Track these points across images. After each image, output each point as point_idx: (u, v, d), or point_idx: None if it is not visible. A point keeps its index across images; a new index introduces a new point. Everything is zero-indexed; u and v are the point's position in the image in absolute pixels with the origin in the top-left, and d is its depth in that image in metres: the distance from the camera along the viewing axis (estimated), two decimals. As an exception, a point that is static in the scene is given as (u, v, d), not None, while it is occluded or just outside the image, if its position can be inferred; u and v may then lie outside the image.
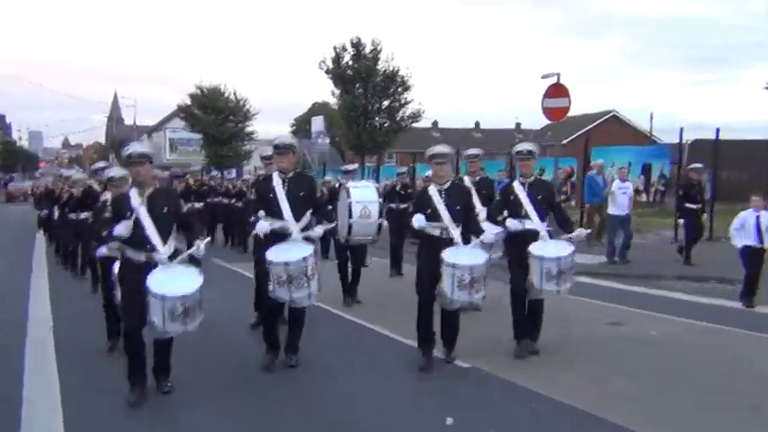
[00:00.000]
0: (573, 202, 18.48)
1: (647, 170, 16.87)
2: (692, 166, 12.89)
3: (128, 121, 78.96)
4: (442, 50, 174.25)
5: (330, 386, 5.80)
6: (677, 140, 16.30)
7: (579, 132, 43.05)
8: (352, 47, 27.04)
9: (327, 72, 27.00)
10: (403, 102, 27.17)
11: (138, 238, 5.22)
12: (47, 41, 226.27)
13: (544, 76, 13.38)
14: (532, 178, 6.61)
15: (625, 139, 37.09)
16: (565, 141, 40.59)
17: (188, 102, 37.99)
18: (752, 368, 6.16)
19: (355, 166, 10.66)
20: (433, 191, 6.21)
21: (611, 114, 48.63)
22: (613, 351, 6.79)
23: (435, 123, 61.04)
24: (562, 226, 6.62)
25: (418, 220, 6.05)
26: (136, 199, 5.27)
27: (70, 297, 9.89)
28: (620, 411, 4.98)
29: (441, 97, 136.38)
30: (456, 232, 6.06)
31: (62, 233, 12.95)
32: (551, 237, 6.44)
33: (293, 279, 5.67)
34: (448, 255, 5.86)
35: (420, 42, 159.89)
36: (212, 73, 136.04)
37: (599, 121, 46.90)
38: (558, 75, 13.20)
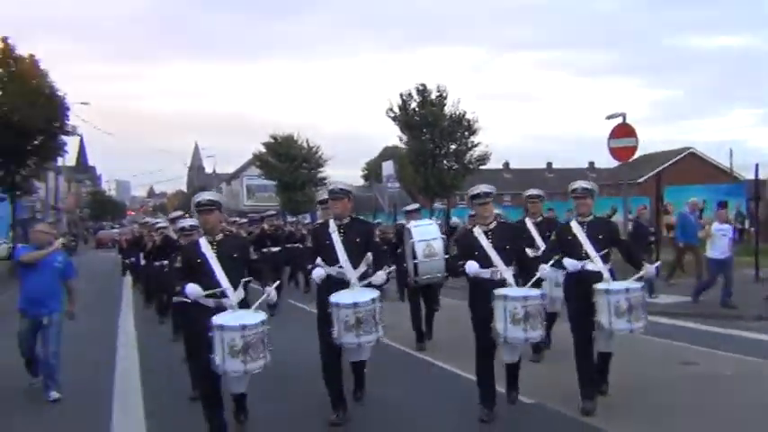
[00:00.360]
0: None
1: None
2: None
3: (208, 170, 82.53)
4: (512, 92, 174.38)
5: (398, 424, 5.96)
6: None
7: (656, 170, 42.26)
8: (418, 93, 27.70)
9: (394, 119, 27.75)
10: (470, 145, 27.57)
11: (207, 285, 5.16)
12: (132, 95, 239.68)
13: (609, 117, 13.37)
14: (591, 217, 6.17)
15: (704, 177, 36.00)
16: (641, 179, 39.99)
17: (263, 150, 39.64)
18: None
19: (416, 205, 10.47)
20: (478, 232, 5.87)
21: (689, 152, 47.20)
22: (683, 389, 6.70)
23: (507, 164, 60.97)
24: (630, 262, 6.26)
25: (471, 266, 5.66)
26: (205, 246, 5.27)
27: (156, 340, 10.27)
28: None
29: (512, 138, 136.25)
30: (508, 274, 5.73)
31: (147, 280, 13.64)
32: (615, 279, 5.98)
33: (362, 322, 5.37)
34: (499, 290, 5.59)
35: (490, 84, 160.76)
36: (287, 120, 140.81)
37: (676, 159, 45.68)
38: (624, 115, 13.17)
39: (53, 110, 24.23)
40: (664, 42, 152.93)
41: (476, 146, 27.52)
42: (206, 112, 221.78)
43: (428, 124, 26.95)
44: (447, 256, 8.28)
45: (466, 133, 27.12)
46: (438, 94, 27.37)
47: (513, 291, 5.57)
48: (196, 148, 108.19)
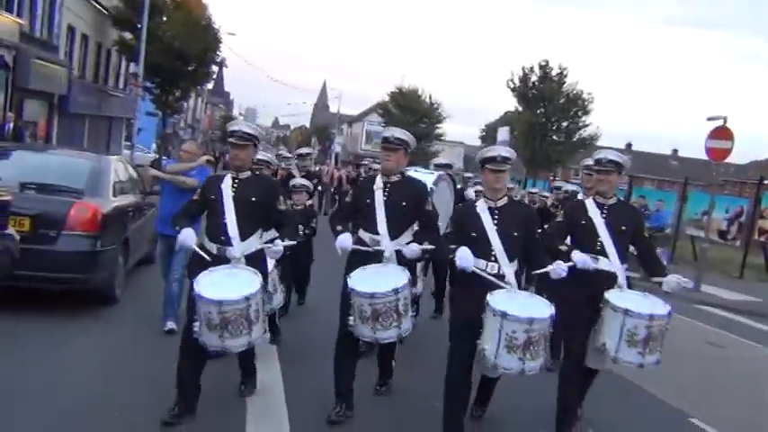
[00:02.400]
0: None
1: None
2: None
3: (332, 109, 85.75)
4: (650, 73, 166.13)
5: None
6: None
7: (778, 174, 41.06)
8: (540, 69, 29.07)
9: (513, 90, 29.22)
10: (581, 124, 28.63)
11: (214, 226, 4.50)
12: (266, 26, 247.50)
13: (710, 119, 14.11)
14: (614, 200, 4.81)
15: None
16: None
17: (387, 99, 41.65)
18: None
19: (306, 150, 9.63)
20: (482, 207, 4.40)
21: (822, 161, 44.82)
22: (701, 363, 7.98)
23: (629, 145, 59.78)
24: (647, 267, 4.86)
25: (464, 260, 4.15)
26: (227, 182, 4.54)
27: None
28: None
29: (638, 118, 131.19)
30: (509, 270, 4.27)
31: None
32: (630, 286, 4.68)
33: (380, 315, 4.28)
34: (496, 299, 4.07)
35: (625, 62, 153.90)
36: (414, 73, 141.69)
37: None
38: (725, 118, 13.88)
39: (209, 40, 27.10)
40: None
41: (587, 125, 28.63)
42: (339, 52, 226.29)
43: (544, 99, 28.20)
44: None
45: (579, 112, 28.20)
46: (559, 71, 28.57)
47: (515, 307, 4.04)
48: (324, 86, 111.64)
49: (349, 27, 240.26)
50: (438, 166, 8.88)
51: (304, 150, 9.61)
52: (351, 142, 69.32)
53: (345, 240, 4.66)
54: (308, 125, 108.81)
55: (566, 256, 4.56)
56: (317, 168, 18.96)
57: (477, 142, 58.34)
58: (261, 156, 6.50)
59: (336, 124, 71.42)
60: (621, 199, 5.15)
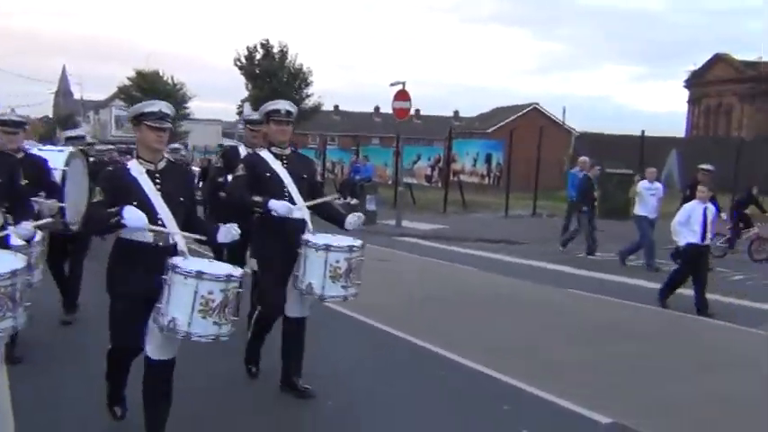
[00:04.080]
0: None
1: (488, 159, 20.88)
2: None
3: (76, 96, 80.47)
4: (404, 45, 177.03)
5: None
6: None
7: (503, 122, 47.93)
8: (262, 47, 31.59)
9: (241, 68, 31.45)
10: (304, 96, 31.77)
11: None
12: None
13: (392, 84, 17.03)
14: (289, 150, 4.96)
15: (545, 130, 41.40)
16: (490, 130, 45.70)
17: (128, 83, 41.07)
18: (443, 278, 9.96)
19: (75, 132, 9.24)
20: (138, 171, 3.93)
21: (533, 107, 52.80)
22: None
23: (377, 108, 64.08)
24: (325, 212, 5.05)
25: (136, 219, 3.67)
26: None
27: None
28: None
29: (382, 83, 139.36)
30: (180, 238, 3.93)
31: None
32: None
33: None
34: (184, 261, 3.81)
35: (371, 26, 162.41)
36: (170, 47, 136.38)
37: (521, 113, 51.15)
38: (404, 83, 16.89)
39: None
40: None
41: (309, 96, 32.06)
42: (77, 33, 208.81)
43: (269, 75, 30.76)
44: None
45: (302, 85, 31.20)
46: (279, 49, 31.55)
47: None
48: (63, 71, 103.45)
49: (83, 4, 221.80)
50: (69, 139, 7.90)
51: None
52: (101, 129, 66.24)
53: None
54: (51, 114, 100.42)
55: (262, 207, 4.67)
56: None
57: (236, 117, 59.22)
58: None
59: (81, 111, 67.61)
60: (294, 149, 5.21)
